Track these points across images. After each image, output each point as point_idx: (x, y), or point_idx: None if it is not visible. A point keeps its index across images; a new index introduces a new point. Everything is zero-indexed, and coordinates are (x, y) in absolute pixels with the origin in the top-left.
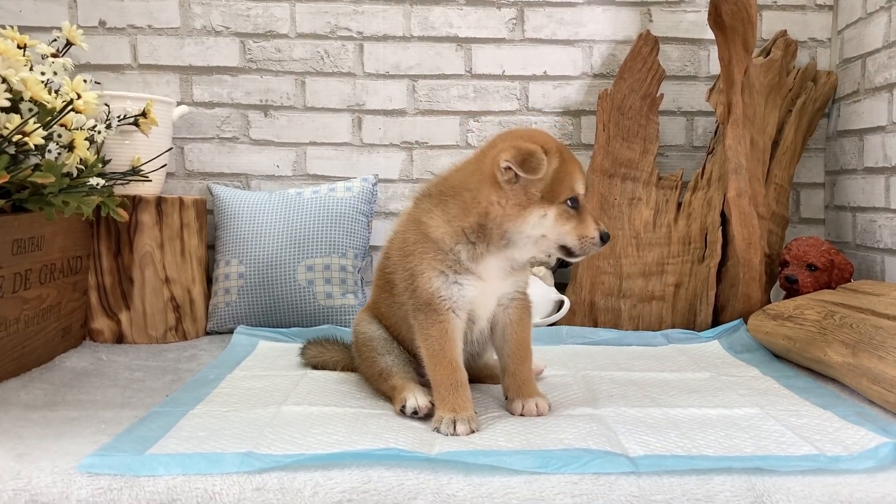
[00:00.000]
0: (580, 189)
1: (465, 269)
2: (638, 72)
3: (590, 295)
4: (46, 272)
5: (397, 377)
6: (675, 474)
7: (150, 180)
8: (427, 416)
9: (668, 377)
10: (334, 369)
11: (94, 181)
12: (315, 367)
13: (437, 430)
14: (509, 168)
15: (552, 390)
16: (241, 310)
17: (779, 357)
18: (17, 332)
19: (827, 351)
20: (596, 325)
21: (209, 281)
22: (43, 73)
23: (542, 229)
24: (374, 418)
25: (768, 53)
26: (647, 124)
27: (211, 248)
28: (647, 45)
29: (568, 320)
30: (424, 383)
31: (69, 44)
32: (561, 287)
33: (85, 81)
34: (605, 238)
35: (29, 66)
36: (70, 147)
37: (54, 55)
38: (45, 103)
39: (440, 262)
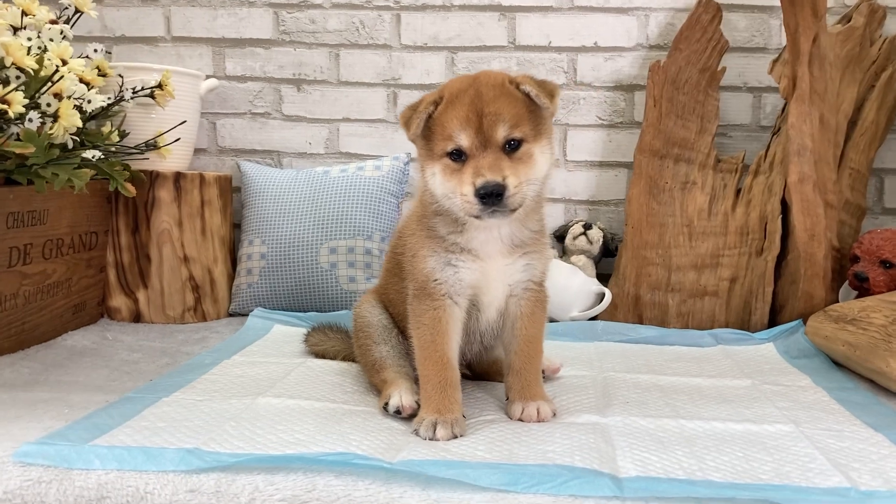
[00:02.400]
0: (461, 139)
1: (455, 245)
2: (696, 42)
3: (634, 288)
4: (52, 247)
5: (390, 370)
6: (667, 502)
7: (144, 156)
8: (412, 416)
9: (702, 383)
10: (335, 359)
11: (89, 154)
12: (317, 356)
13: (416, 432)
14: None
15: (564, 392)
16: (262, 291)
17: (840, 365)
18: (14, 308)
19: (890, 361)
20: (641, 321)
21: (235, 261)
22: (30, 39)
23: (440, 188)
24: (351, 416)
25: (849, 20)
26: (705, 100)
27: (238, 226)
28: (708, 12)
29: (609, 315)
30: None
31: (78, 12)
32: (605, 279)
33: (95, 51)
34: (481, 192)
35: (13, 30)
36: (55, 117)
37: (53, 22)
38: (29, 70)
39: (433, 241)
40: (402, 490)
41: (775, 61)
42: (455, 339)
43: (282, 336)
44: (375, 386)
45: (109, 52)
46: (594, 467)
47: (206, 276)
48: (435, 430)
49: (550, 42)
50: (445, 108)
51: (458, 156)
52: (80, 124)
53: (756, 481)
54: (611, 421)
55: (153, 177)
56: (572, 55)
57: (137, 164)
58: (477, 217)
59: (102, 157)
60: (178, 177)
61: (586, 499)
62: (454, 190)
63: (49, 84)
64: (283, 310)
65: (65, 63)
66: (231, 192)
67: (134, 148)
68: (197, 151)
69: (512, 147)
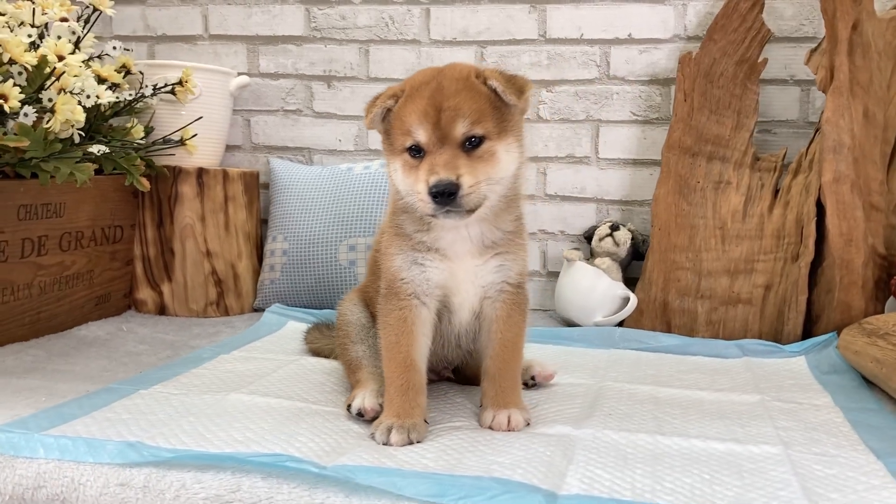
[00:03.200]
0: (419, 134)
1: (421, 243)
2: (733, 32)
3: (662, 293)
4: (70, 239)
5: (364, 371)
6: None
7: (170, 151)
8: (376, 419)
9: (706, 397)
10: (328, 357)
11: (94, 148)
12: (314, 354)
13: (373, 436)
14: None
15: (548, 401)
16: (283, 287)
17: (871, 383)
18: (28, 298)
19: None
20: (669, 329)
21: (262, 257)
22: (30, 36)
23: (401, 185)
24: (314, 416)
25: None
26: (742, 94)
27: (267, 223)
28: (748, 0)
29: (635, 321)
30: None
31: (96, 10)
32: (633, 283)
33: (114, 49)
34: (434, 191)
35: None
36: (52, 110)
37: (63, 19)
38: (28, 66)
39: (401, 239)
40: (326, 496)
41: (813, 51)
42: (422, 341)
43: (292, 333)
44: (351, 385)
45: (128, 49)
46: (533, 483)
47: (230, 270)
48: (389, 435)
49: (582, 34)
50: (405, 101)
51: (416, 151)
52: (81, 119)
53: None
54: (582, 433)
55: (176, 172)
56: (605, 48)
57: (165, 160)
58: (433, 216)
59: (108, 151)
60: (200, 172)
61: None
62: (412, 187)
63: (54, 80)
64: (303, 307)
65: (61, 59)
66: (258, 188)
67: (151, 143)
68: (232, 148)
69: (472, 144)
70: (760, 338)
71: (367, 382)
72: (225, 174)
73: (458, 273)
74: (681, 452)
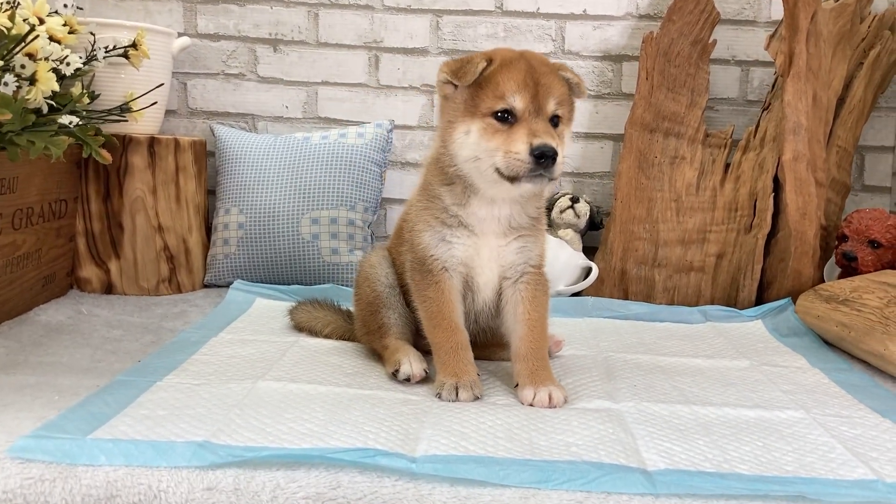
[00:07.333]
0: (515, 101)
1: (455, 217)
2: (689, 14)
3: (621, 262)
4: (21, 217)
5: (392, 337)
6: (701, 498)
7: (126, 119)
8: (418, 384)
9: (701, 364)
10: (320, 334)
11: (66, 119)
12: (303, 331)
13: (439, 395)
14: (447, 81)
15: (567, 374)
16: (240, 263)
17: (830, 344)
18: None
19: (888, 345)
20: (626, 296)
21: (209, 230)
22: None
23: (470, 149)
24: (358, 402)
25: None
26: (696, 74)
27: (212, 193)
28: None
29: (596, 290)
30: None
31: None
32: (591, 252)
33: (66, 7)
34: (536, 153)
35: None
36: (32, 80)
37: None
38: (2, 28)
39: (431, 214)
40: (431, 486)
41: (772, 37)
42: (459, 307)
43: (265, 310)
44: (374, 349)
45: (81, 8)
46: (621, 462)
47: (181, 245)
48: (458, 393)
49: (539, 8)
50: (500, 68)
51: (504, 117)
52: (57, 88)
53: (782, 474)
54: (623, 407)
55: (126, 142)
56: (560, 22)
57: (107, 128)
58: (514, 178)
59: (80, 122)
60: (152, 142)
61: (619, 495)
62: (497, 148)
63: (21, 44)
64: (262, 282)
65: (42, 22)
66: (206, 157)
67: (109, 112)
68: (167, 113)
69: (554, 123)
70: (713, 303)
71: (402, 348)
72: (177, 143)
73: (482, 251)
74: (721, 421)
